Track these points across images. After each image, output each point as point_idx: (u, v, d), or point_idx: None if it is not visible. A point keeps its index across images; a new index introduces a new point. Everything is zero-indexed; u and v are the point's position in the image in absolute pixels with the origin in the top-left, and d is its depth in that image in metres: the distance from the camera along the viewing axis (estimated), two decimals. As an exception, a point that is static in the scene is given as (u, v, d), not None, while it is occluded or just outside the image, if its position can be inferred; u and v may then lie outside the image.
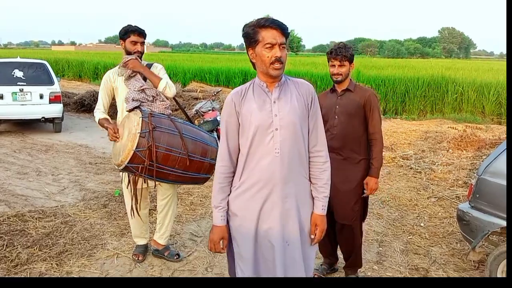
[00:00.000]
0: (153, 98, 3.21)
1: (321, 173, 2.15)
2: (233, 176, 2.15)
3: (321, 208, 2.16)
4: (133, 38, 3.34)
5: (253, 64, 2.10)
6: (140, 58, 3.39)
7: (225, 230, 2.14)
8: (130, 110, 3.10)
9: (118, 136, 3.13)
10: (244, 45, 2.09)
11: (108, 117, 3.44)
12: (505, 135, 8.05)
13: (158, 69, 3.49)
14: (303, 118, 2.08)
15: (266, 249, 2.10)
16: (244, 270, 2.13)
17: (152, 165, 2.93)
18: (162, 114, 3.14)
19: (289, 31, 2.02)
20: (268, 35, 1.96)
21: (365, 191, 3.10)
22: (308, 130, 2.13)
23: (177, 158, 3.00)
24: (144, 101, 3.14)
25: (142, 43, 3.39)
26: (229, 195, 2.17)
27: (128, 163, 2.91)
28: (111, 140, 3.21)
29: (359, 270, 3.39)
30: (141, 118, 2.92)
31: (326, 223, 2.19)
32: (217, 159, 2.17)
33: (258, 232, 2.10)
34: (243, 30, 2.06)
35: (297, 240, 2.11)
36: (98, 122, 3.35)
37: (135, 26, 3.37)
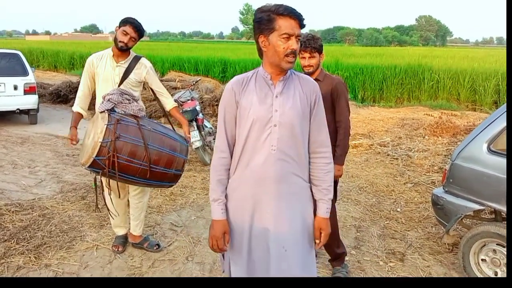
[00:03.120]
0: (129, 101, 3.15)
1: (325, 174, 2.05)
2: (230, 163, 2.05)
3: (325, 211, 2.04)
4: (127, 29, 3.26)
5: (260, 52, 1.98)
6: (124, 51, 3.34)
7: (226, 224, 2.01)
8: (101, 112, 3.01)
9: (74, 143, 3.27)
10: (254, 30, 1.94)
11: (83, 112, 3.41)
12: (479, 121, 8.24)
13: (146, 70, 3.44)
14: (304, 117, 1.98)
15: (261, 251, 2.00)
16: (237, 270, 2.07)
17: (111, 173, 2.90)
18: (133, 118, 3.05)
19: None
20: (286, 25, 1.83)
21: None
22: (309, 129, 2.03)
23: (138, 168, 2.94)
24: (118, 102, 3.07)
25: (133, 38, 3.29)
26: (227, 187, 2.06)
27: (89, 167, 2.90)
28: (69, 141, 3.30)
29: (346, 260, 3.41)
30: (105, 126, 2.85)
31: (330, 226, 2.08)
32: (216, 150, 2.04)
33: (252, 232, 2.00)
34: (255, 14, 1.90)
35: (295, 244, 2.00)
36: (71, 124, 3.37)
37: (135, 19, 3.31)
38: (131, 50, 3.44)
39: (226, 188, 2.05)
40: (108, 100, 3.04)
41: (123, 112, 3.05)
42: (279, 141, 1.93)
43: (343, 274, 3.25)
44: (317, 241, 2.07)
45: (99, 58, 3.39)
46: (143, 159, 2.94)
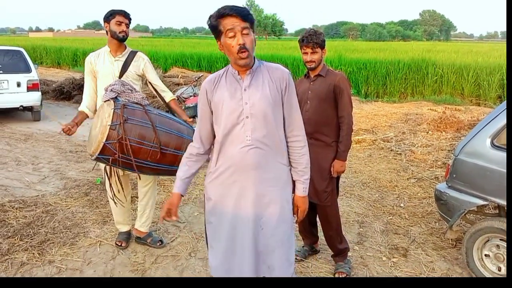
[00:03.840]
0: (131, 91, 3.16)
1: (300, 157, 2.17)
2: (202, 156, 2.25)
3: (302, 190, 2.21)
4: (118, 18, 3.31)
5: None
6: (124, 40, 3.38)
7: (177, 197, 2.21)
8: (106, 101, 3.05)
9: (71, 133, 3.20)
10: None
11: (89, 112, 3.41)
12: (483, 116, 8.20)
13: (144, 63, 3.46)
14: (276, 105, 2.06)
15: (240, 235, 2.12)
16: (216, 254, 2.19)
17: (122, 158, 2.89)
18: (138, 104, 3.08)
19: (250, 14, 1.95)
20: (228, 23, 1.92)
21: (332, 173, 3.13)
22: (283, 116, 2.12)
23: (149, 151, 2.95)
24: (121, 92, 3.09)
25: (127, 25, 3.36)
26: (194, 172, 2.27)
27: (99, 155, 2.88)
28: (63, 130, 3.21)
29: (348, 255, 3.41)
30: (112, 110, 2.87)
31: (307, 203, 2.25)
32: (192, 140, 2.27)
33: (232, 217, 2.12)
34: (207, 23, 2.02)
35: (273, 225, 2.12)
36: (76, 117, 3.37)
37: (121, 9, 3.36)
38: (127, 46, 3.48)
39: (194, 172, 2.27)
40: (111, 90, 3.06)
41: (127, 101, 3.07)
42: (252, 131, 2.04)
43: (345, 270, 3.24)
44: (295, 216, 2.26)
45: (96, 56, 3.42)
46: (153, 141, 2.96)
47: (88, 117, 3.43)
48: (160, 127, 3.02)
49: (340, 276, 3.21)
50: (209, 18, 2.00)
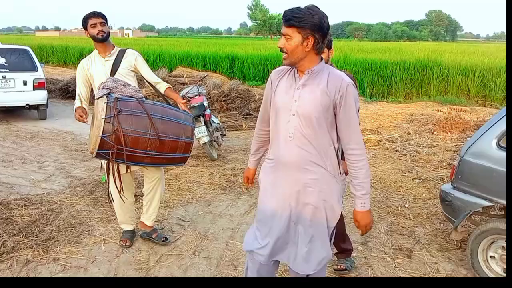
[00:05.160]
0: (124, 86, 3.17)
1: (357, 171, 2.14)
2: (267, 132, 2.34)
3: (359, 205, 2.19)
4: (91, 21, 3.35)
5: None
6: (107, 39, 3.40)
7: (251, 170, 2.62)
8: (98, 98, 3.07)
9: (84, 118, 3.20)
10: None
11: (84, 106, 3.43)
12: (489, 117, 8.15)
13: (134, 57, 3.50)
14: (324, 111, 2.05)
15: (276, 223, 2.22)
16: (257, 236, 2.31)
17: (121, 150, 2.90)
18: (131, 97, 3.09)
19: (293, 19, 1.97)
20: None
21: None
22: (338, 127, 2.11)
23: (147, 139, 2.96)
24: (113, 88, 3.10)
25: (102, 23, 3.38)
26: (263, 148, 2.50)
27: (98, 150, 2.89)
28: (77, 120, 3.24)
29: (352, 255, 3.41)
30: (105, 103, 2.89)
31: (368, 218, 2.21)
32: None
33: (270, 207, 2.23)
34: None
35: (306, 222, 2.18)
36: (75, 111, 3.37)
37: (91, 11, 3.40)
38: (115, 45, 3.52)
39: (261, 147, 2.49)
40: (103, 87, 3.09)
41: (120, 95, 3.09)
42: (296, 129, 2.09)
43: (346, 265, 3.25)
44: (358, 230, 2.29)
45: (88, 60, 3.49)
46: (149, 129, 2.96)
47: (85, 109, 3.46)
48: (156, 115, 3.03)
49: (340, 267, 3.25)
50: None
